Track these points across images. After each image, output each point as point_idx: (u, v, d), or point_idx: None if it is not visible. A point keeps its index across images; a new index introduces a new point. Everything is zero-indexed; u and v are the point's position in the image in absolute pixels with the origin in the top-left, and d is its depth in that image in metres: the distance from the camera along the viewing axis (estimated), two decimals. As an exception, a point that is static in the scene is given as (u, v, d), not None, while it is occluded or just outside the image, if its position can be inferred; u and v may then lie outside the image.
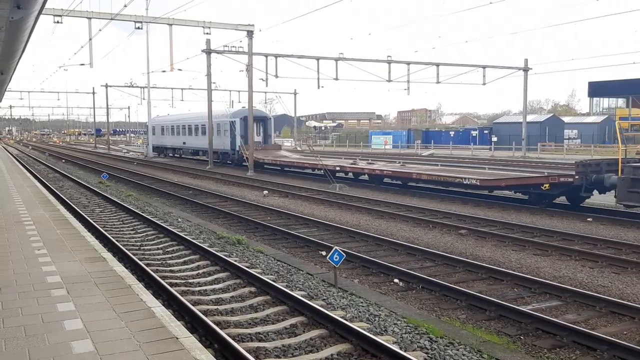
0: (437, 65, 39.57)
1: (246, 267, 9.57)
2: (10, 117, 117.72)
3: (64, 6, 26.64)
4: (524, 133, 45.69)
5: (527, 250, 11.65)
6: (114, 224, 14.43)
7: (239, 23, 32.17)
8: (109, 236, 11.83)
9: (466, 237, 13.05)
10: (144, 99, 61.29)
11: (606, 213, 16.02)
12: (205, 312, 7.18)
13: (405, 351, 6.04)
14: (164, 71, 43.02)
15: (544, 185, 16.62)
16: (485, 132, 64.01)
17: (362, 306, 7.90)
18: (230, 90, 64.98)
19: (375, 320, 7.30)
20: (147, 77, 50.97)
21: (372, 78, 37.86)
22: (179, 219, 15.49)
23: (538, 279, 9.34)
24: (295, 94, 66.13)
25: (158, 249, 11.56)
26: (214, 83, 40.30)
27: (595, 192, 16.70)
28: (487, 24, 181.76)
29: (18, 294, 6.05)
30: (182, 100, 67.68)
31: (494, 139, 55.78)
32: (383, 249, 11.91)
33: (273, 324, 7.06)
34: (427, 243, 12.47)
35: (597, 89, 70.68)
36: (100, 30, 26.97)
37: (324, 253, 11.07)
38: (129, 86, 63.30)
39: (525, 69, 44.23)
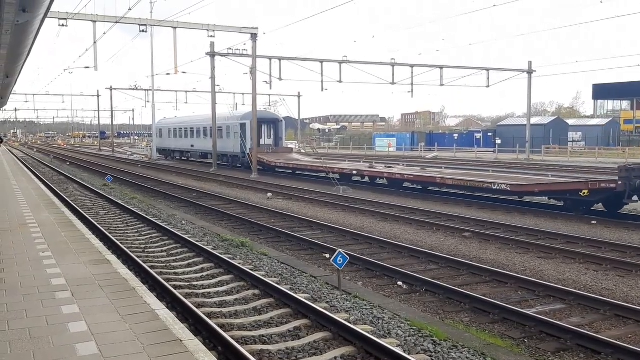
0: (441, 67, 39.54)
1: (250, 269, 9.58)
2: (15, 119, 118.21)
3: (69, 10, 26.76)
4: (528, 135, 45.62)
5: (531, 253, 11.63)
6: (118, 227, 14.47)
7: (243, 26, 32.25)
8: (113, 239, 11.86)
9: (470, 240, 13.04)
10: (148, 101, 61.52)
11: (611, 216, 15.95)
12: (209, 315, 7.19)
13: (409, 354, 6.03)
14: (168, 74, 42.93)
15: (583, 192, 15.69)
16: (489, 134, 63.90)
17: (366, 309, 7.89)
18: (234, 93, 65.15)
19: (378, 323, 7.30)
20: (151, 80, 51.11)
21: (376, 81, 37.86)
22: (183, 222, 15.52)
23: (542, 282, 9.32)
24: (299, 96, 66.27)
25: (162, 251, 11.58)
26: (218, 86, 40.35)
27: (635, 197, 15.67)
28: (491, 27, 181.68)
29: (23, 296, 6.08)
30: (187, 103, 67.86)
31: (498, 141, 55.68)
32: (387, 252, 11.91)
33: (277, 326, 7.06)
34: (431, 246, 12.46)
35: (602, 92, 70.56)
36: (105, 33, 27.02)
37: (327, 255, 11.07)
38: (134, 89, 63.52)
39: (529, 72, 44.16)
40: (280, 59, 34.03)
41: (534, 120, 52.80)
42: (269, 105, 47.04)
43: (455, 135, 68.02)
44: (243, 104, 63.70)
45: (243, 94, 65.17)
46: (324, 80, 35.99)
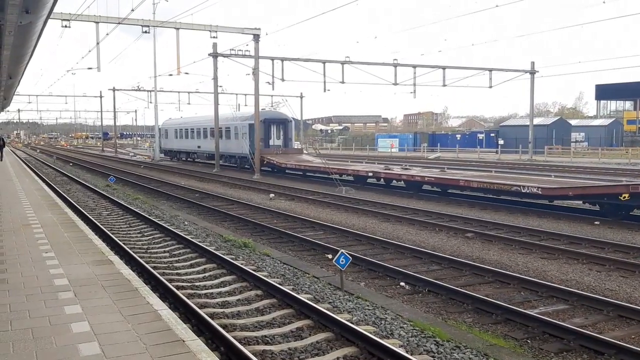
0: (444, 68, 39.47)
1: (252, 270, 9.58)
2: (18, 120, 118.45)
3: (72, 11, 26.81)
4: (530, 136, 45.54)
5: (534, 254, 11.61)
6: (121, 227, 14.49)
7: (246, 27, 32.26)
8: (116, 239, 11.88)
9: (473, 241, 13.02)
10: (151, 102, 61.47)
11: (614, 216, 15.89)
12: (211, 315, 7.19)
13: (411, 355, 6.03)
14: (170, 75, 42.90)
15: (623, 195, 14.80)
16: (492, 135, 63.81)
17: (368, 309, 7.89)
18: (236, 94, 65.21)
19: (381, 323, 7.30)
20: (154, 81, 51.12)
21: (379, 81, 37.79)
22: (186, 222, 15.53)
23: (545, 282, 9.30)
24: (301, 97, 66.25)
25: (165, 252, 11.59)
26: (220, 86, 40.38)
27: None
28: (493, 27, 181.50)
29: (26, 297, 6.09)
30: (189, 103, 67.84)
31: (501, 142, 55.61)
32: (389, 252, 11.90)
33: (279, 327, 7.06)
34: (434, 246, 12.45)
35: (605, 92, 70.48)
36: (107, 34, 26.98)
37: (330, 256, 11.07)
38: (136, 90, 63.49)
39: (532, 72, 44.08)
40: (282, 59, 34.02)
41: (536, 121, 52.68)
42: (272, 106, 46.80)
43: (458, 136, 67.99)
44: (245, 105, 63.81)
45: (245, 94, 65.21)
46: (326, 81, 35.92)
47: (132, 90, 63.97)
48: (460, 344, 6.64)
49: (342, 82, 36.33)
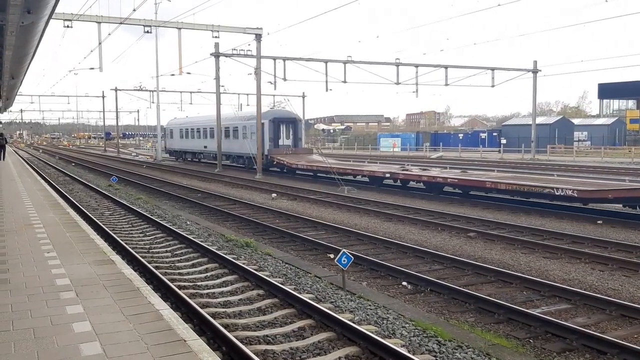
0: (446, 67, 39.43)
1: (254, 269, 9.58)
2: (21, 120, 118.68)
3: (74, 11, 26.82)
4: (533, 135, 45.47)
5: (537, 253, 11.58)
6: (123, 227, 14.50)
7: (247, 27, 32.23)
8: (117, 239, 11.88)
9: (475, 240, 13.00)
10: (153, 102, 61.50)
11: (617, 215, 15.87)
12: (213, 315, 7.19)
13: (413, 354, 6.02)
14: (173, 75, 42.87)
15: None
16: (494, 134, 63.76)
17: (370, 309, 7.88)
18: (238, 94, 65.27)
19: (383, 323, 7.29)
20: (156, 81, 51.15)
21: (381, 81, 37.79)
22: (188, 222, 15.53)
23: (547, 281, 9.28)
24: (303, 96, 66.21)
25: (167, 251, 11.59)
26: (222, 86, 40.45)
27: None
28: (495, 26, 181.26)
29: (27, 297, 6.09)
30: (191, 103, 68.07)
31: (503, 141, 55.56)
32: (391, 252, 11.88)
33: (281, 326, 7.05)
34: (436, 246, 12.43)
35: (607, 91, 70.28)
36: (109, 34, 27.04)
37: (332, 256, 11.07)
38: (139, 90, 63.61)
39: (535, 71, 44.02)
40: (284, 59, 34.01)
41: (539, 120, 52.63)
42: (273, 106, 46.61)
43: (460, 135, 67.93)
44: (247, 105, 63.85)
45: (247, 94, 65.30)
46: (328, 81, 35.93)
47: (135, 90, 64.11)
48: (463, 343, 6.63)
49: (344, 82, 36.31)
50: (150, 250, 11.65)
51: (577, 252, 11.33)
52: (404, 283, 9.53)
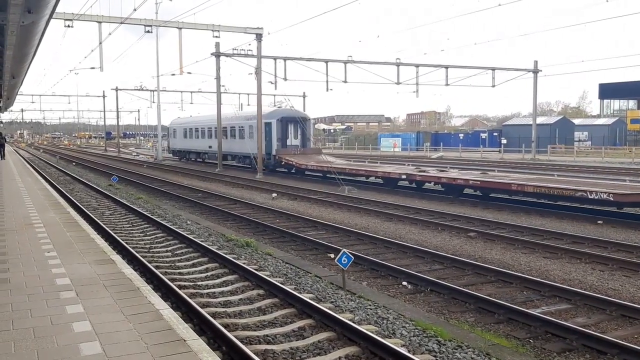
0: (446, 67, 39.42)
1: (255, 269, 9.59)
2: (22, 120, 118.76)
3: (75, 10, 26.81)
4: (533, 135, 45.46)
5: (537, 253, 11.58)
6: (124, 227, 14.51)
7: (248, 26, 32.23)
8: (118, 239, 11.89)
9: (475, 240, 13.00)
10: (153, 102, 61.56)
11: (617, 215, 15.86)
12: (213, 315, 7.19)
13: (413, 354, 6.02)
14: (173, 74, 42.82)
15: None
16: (495, 134, 63.77)
17: (370, 309, 7.88)
18: (239, 93, 65.26)
19: (383, 323, 7.29)
20: (157, 80, 51.15)
21: (381, 80, 37.79)
22: (188, 222, 15.54)
23: (547, 281, 9.28)
24: (304, 96, 66.17)
25: (167, 251, 11.60)
26: (223, 86, 40.37)
27: None
28: (496, 26, 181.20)
29: (28, 296, 6.09)
30: (192, 103, 68.02)
31: (504, 141, 55.54)
32: (391, 252, 11.88)
33: (281, 326, 7.06)
34: (436, 245, 12.43)
35: (608, 91, 70.24)
36: (110, 34, 27.03)
37: (332, 255, 11.07)
38: (139, 89, 63.59)
39: (535, 71, 44.00)
40: (285, 59, 34.01)
41: (539, 120, 52.61)
42: (274, 106, 46.55)
43: (461, 135, 67.93)
44: (248, 104, 63.82)
45: (248, 94, 65.27)
46: (329, 80, 35.92)
47: (135, 90, 64.09)
48: (463, 343, 6.63)
49: (345, 82, 36.31)
50: (151, 250, 11.65)
51: (578, 252, 11.33)
52: (404, 283, 9.53)
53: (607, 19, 77.75)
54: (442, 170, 23.70)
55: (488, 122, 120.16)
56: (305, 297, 7.86)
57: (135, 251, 10.79)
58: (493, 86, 41.96)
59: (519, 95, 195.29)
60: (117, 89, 66.74)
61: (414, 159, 45.57)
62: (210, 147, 42.06)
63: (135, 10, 22.81)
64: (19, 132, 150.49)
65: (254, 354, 5.71)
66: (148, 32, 29.16)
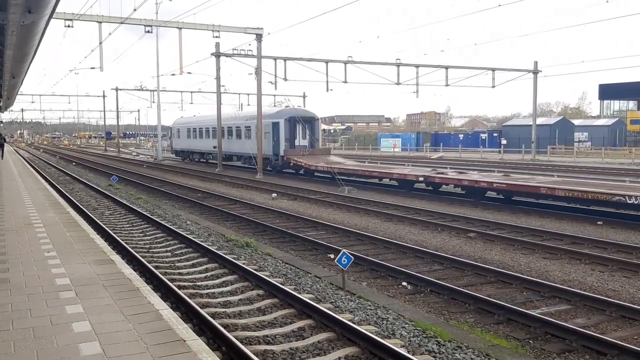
0: (446, 67, 39.40)
1: (254, 269, 9.58)
2: (22, 120, 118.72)
3: (75, 10, 26.82)
4: (533, 136, 45.46)
5: (537, 254, 11.58)
6: (123, 227, 14.50)
7: (248, 26, 32.23)
8: (118, 239, 11.89)
9: (475, 241, 13.00)
10: (153, 102, 61.46)
11: (617, 216, 15.85)
12: (213, 315, 7.19)
13: (413, 355, 6.02)
14: (173, 74, 42.76)
15: None
16: (495, 134, 63.80)
17: (370, 309, 7.88)
18: (239, 94, 65.15)
19: (383, 323, 7.28)
20: (157, 81, 51.12)
21: (381, 81, 37.76)
22: (188, 222, 15.53)
23: (547, 282, 9.28)
24: (304, 97, 66.16)
25: (167, 251, 11.60)
26: (223, 86, 40.33)
27: None
28: (496, 27, 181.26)
29: (27, 296, 6.09)
30: (192, 103, 67.90)
31: (504, 141, 55.56)
32: (391, 252, 11.88)
33: (281, 326, 7.05)
34: (436, 246, 12.43)
35: (608, 92, 70.29)
36: (110, 34, 27.02)
37: (332, 256, 11.07)
38: (139, 89, 63.53)
39: (535, 72, 43.99)
40: (285, 59, 33.99)
41: (539, 121, 52.61)
42: (274, 106, 46.45)
43: (461, 136, 67.95)
44: (248, 104, 63.74)
45: (248, 94, 65.16)
46: (329, 81, 35.86)
47: (135, 90, 64.02)
48: (462, 344, 6.63)
49: (345, 82, 36.29)
50: (150, 250, 11.65)
51: (577, 253, 11.33)
52: (404, 283, 9.53)
53: (607, 20, 77.71)
54: (462, 172, 22.72)
55: (488, 123, 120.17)
56: (305, 297, 7.86)
57: (135, 251, 10.79)
58: (493, 87, 41.95)
59: (518, 95, 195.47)
60: (117, 89, 66.73)
61: (414, 159, 45.57)
62: (214, 147, 40.82)
63: (135, 10, 22.81)
64: (19, 132, 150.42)
65: (254, 354, 5.71)
66: (148, 32, 29.15)
